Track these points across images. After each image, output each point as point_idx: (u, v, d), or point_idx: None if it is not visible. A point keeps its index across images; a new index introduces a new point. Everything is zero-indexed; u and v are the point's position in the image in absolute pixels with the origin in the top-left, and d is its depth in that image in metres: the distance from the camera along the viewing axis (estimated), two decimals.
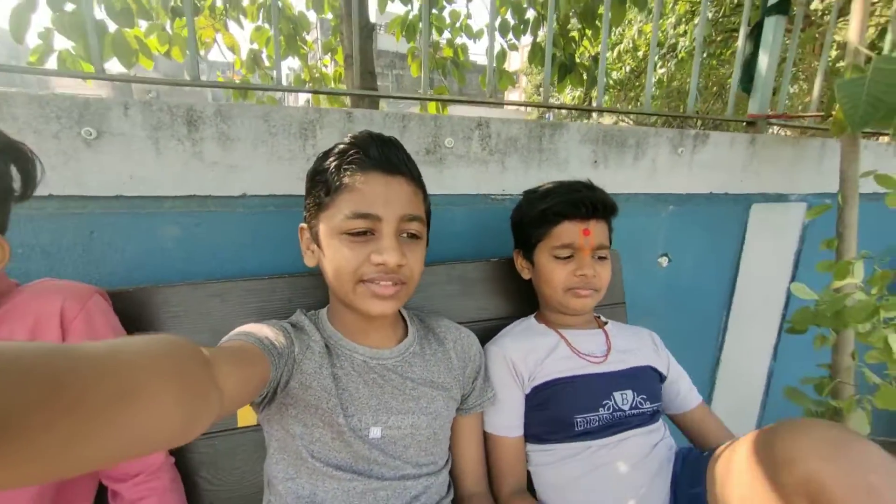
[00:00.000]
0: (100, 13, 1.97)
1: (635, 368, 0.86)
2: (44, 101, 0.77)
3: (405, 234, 0.64)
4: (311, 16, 3.04)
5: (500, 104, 1.20)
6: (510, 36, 3.20)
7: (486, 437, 0.82)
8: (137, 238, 0.85)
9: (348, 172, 0.62)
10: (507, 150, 1.08)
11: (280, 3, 2.84)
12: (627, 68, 5.66)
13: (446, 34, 3.42)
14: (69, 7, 1.82)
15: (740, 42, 1.34)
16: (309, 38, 3.18)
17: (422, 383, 0.71)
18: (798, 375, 1.14)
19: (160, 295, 0.75)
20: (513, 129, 1.07)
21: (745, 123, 1.40)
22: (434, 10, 3.11)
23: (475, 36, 3.56)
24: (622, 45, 5.42)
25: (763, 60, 1.30)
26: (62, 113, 0.77)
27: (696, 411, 0.91)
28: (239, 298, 0.80)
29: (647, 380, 0.87)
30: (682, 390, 0.92)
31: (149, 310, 0.75)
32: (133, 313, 0.74)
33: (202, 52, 2.64)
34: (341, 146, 0.64)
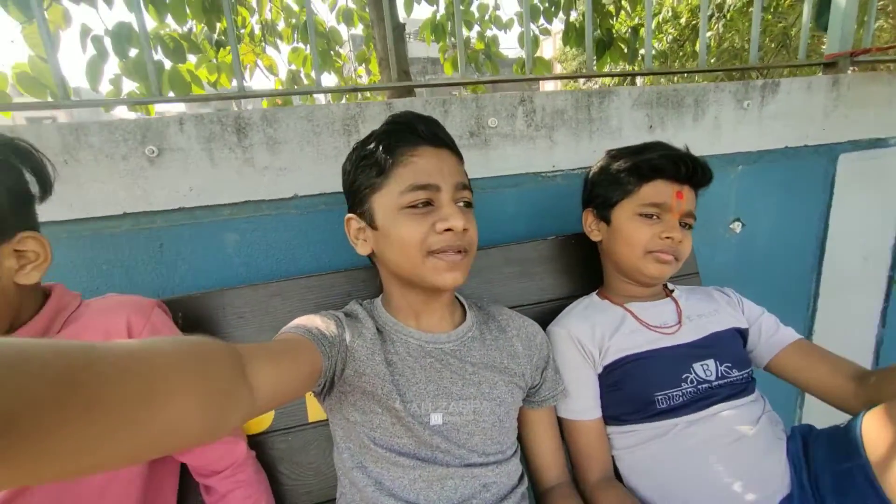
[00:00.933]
0: (157, 54, 2.15)
1: (713, 335, 0.78)
2: (113, 126, 0.83)
3: (460, 203, 0.64)
4: (343, 31, 3.13)
5: (542, 78, 1.15)
6: (541, 21, 3.11)
7: (562, 424, 0.77)
8: (200, 246, 0.88)
9: (399, 149, 0.62)
10: (554, 123, 1.02)
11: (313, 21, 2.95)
12: (669, 38, 5.32)
13: (476, 29, 3.39)
14: (133, 53, 1.99)
15: None
16: (342, 51, 3.28)
17: (483, 367, 0.67)
18: None
19: (225, 297, 0.78)
20: (558, 100, 1.02)
21: (822, 67, 1.24)
22: (460, 7, 3.09)
23: (505, 26, 3.50)
24: (661, 15, 5.11)
25: None
26: (128, 135, 0.83)
27: (795, 348, 0.78)
28: (298, 295, 0.81)
29: (729, 345, 0.79)
30: (764, 328, 0.82)
31: (215, 313, 0.77)
32: (202, 316, 0.77)
33: (246, 77, 2.78)
34: (384, 128, 0.64)
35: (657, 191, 0.76)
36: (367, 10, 2.88)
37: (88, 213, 0.83)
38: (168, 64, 2.09)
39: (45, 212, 0.81)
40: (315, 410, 0.79)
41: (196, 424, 0.32)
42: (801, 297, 1.30)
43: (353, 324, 0.66)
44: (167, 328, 0.67)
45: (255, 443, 0.77)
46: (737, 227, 1.20)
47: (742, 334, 0.81)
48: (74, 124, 0.81)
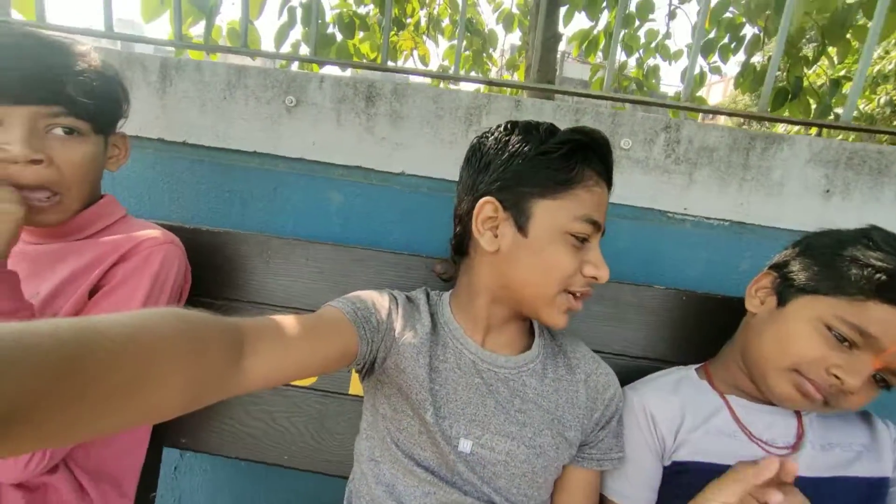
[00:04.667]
0: (332, 28, 2.41)
1: (846, 480, 0.59)
2: (266, 73, 0.91)
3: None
4: (500, 35, 3.17)
5: (699, 110, 1.00)
6: (715, 57, 2.78)
7: (602, 501, 0.65)
8: (308, 197, 0.94)
9: (588, 171, 0.56)
10: (699, 160, 0.88)
11: (474, 20, 3.03)
12: (883, 99, 4.36)
13: (637, 55, 3.17)
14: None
15: None
16: (495, 54, 3.32)
17: (534, 407, 0.59)
18: None
19: (311, 250, 0.81)
20: (711, 136, 0.87)
21: None
22: (621, 29, 2.91)
23: (671, 57, 3.21)
24: (879, 67, 4.21)
25: None
26: (276, 83, 0.91)
27: None
28: (377, 267, 0.81)
29: (867, 502, 0.59)
30: None
31: (299, 261, 0.81)
32: (287, 261, 0.81)
33: (400, 60, 2.97)
34: (580, 137, 0.56)
35: (885, 321, 0.53)
36: (528, 17, 2.88)
37: (229, 144, 0.93)
38: (339, 38, 2.33)
39: (199, 136, 0.93)
40: (357, 384, 0.78)
41: (178, 405, 0.34)
42: None
43: (410, 314, 0.62)
44: (175, 262, 0.68)
45: (294, 395, 0.78)
46: None
47: (884, 486, 0.60)
48: (239, 66, 0.92)
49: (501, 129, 0.59)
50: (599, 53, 3.00)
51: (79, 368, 0.26)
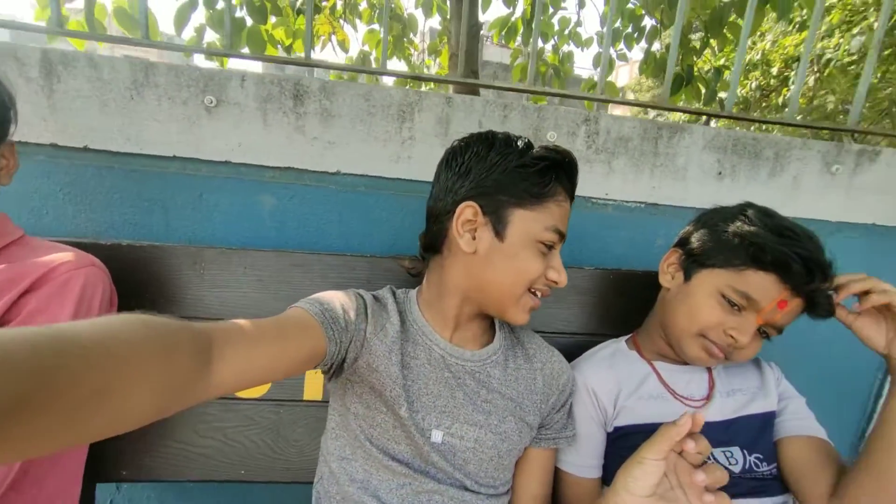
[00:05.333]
0: (241, 11, 2.23)
1: (745, 418, 0.70)
2: (179, 70, 0.84)
3: None
4: (420, 20, 3.14)
5: (612, 101, 1.09)
6: (621, 46, 3.01)
7: (556, 474, 0.72)
8: (238, 202, 0.89)
9: (559, 188, 0.61)
10: (616, 150, 0.97)
11: (393, 4, 2.98)
12: (754, 84, 5.01)
13: (552, 42, 3.32)
14: (220, 5, 2.07)
15: None
16: (415, 40, 3.29)
17: (498, 396, 0.64)
18: None
19: (248, 258, 0.77)
20: (625, 127, 0.96)
21: None
22: (541, 17, 3.03)
23: (583, 44, 3.41)
24: (748, 58, 4.82)
25: None
26: (192, 82, 0.84)
27: (814, 443, 0.67)
28: (320, 271, 0.80)
29: (761, 433, 0.70)
30: (791, 408, 0.72)
31: (237, 270, 0.77)
32: (224, 271, 0.77)
33: (318, 47, 2.83)
34: (556, 156, 0.61)
35: (762, 285, 0.63)
36: (447, 2, 2.88)
37: (142, 149, 0.85)
38: (250, 22, 2.16)
39: (104, 140, 0.84)
40: (311, 389, 0.78)
41: (148, 413, 0.34)
42: (858, 396, 1.17)
43: (378, 313, 0.63)
44: (100, 286, 0.63)
45: (246, 407, 0.76)
46: None
47: (772, 417, 0.73)
48: (146, 62, 0.83)
49: (482, 138, 0.63)
50: (518, 38, 3.11)
51: (51, 377, 0.26)
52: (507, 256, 0.60)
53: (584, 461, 0.70)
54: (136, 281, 0.74)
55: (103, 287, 0.63)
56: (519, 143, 0.62)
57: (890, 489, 0.57)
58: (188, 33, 2.03)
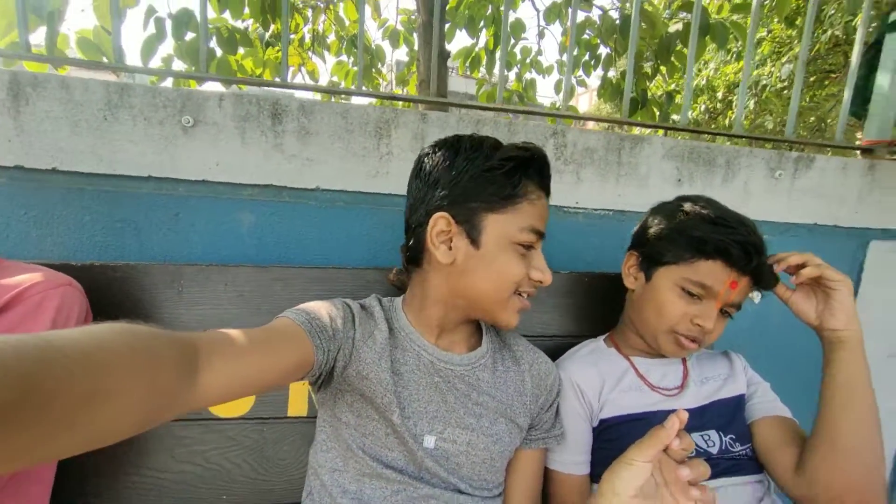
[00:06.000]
0: (211, 43, 2.25)
1: (718, 403, 0.74)
2: (156, 91, 0.85)
3: None
4: (388, 51, 3.24)
5: (576, 117, 1.16)
6: (580, 72, 3.20)
7: (546, 473, 0.73)
8: (216, 221, 0.88)
9: (531, 185, 0.61)
10: (584, 161, 1.02)
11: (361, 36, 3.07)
12: (703, 107, 5.43)
13: (514, 70, 3.50)
14: (188, 37, 2.08)
15: (854, 61, 1.21)
16: (383, 70, 3.39)
17: (487, 400, 0.64)
18: None
19: (229, 274, 0.77)
20: (591, 139, 1.02)
21: (859, 152, 1.24)
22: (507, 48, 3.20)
23: (544, 72, 3.61)
24: (696, 83, 5.24)
25: (883, 81, 1.16)
26: (168, 103, 0.84)
27: (781, 422, 0.71)
28: (302, 285, 0.80)
29: (734, 415, 0.74)
30: (760, 392, 0.77)
31: (217, 287, 0.76)
32: (204, 288, 0.76)
33: (287, 77, 2.88)
34: (522, 154, 0.60)
35: (711, 271, 0.68)
36: (413, 35, 3.00)
37: (115, 169, 0.83)
38: (219, 52, 2.18)
39: (74, 162, 0.82)
40: (296, 404, 0.76)
41: (135, 423, 0.34)
42: (815, 384, 1.24)
43: (366, 321, 0.63)
44: (76, 306, 0.61)
45: (227, 427, 0.74)
46: (756, 296, 1.16)
47: (742, 400, 0.77)
48: (122, 84, 0.83)
49: (449, 144, 0.62)
50: (482, 69, 3.26)
51: (37, 384, 0.25)
52: (485, 263, 0.59)
53: (572, 458, 0.72)
54: (109, 302, 0.72)
55: (79, 307, 0.61)
56: (485, 146, 0.61)
57: (842, 451, 0.62)
58: (155, 63, 2.01)
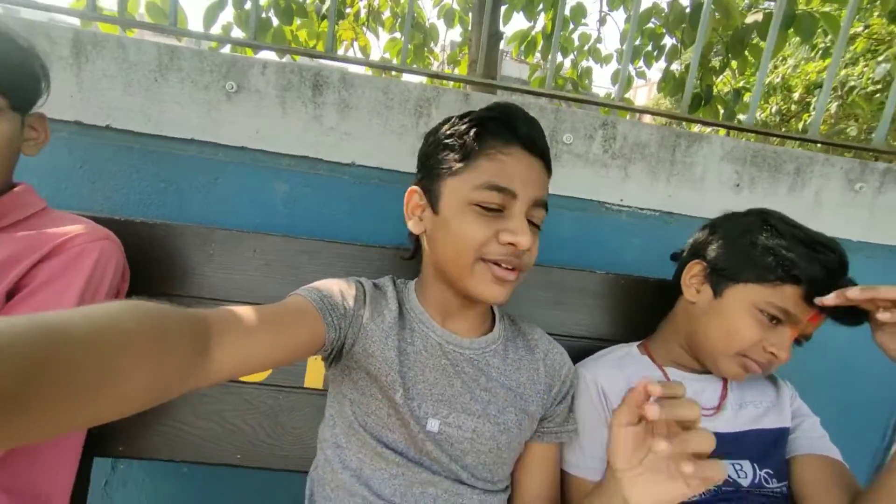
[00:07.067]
0: (268, 13, 2.29)
1: (757, 432, 0.68)
2: (203, 55, 0.86)
3: (530, 221, 0.57)
4: (441, 30, 3.18)
5: (631, 109, 1.08)
6: (640, 63, 3.01)
7: (562, 477, 0.70)
8: (252, 188, 0.90)
9: (490, 140, 0.56)
10: (633, 156, 0.96)
11: (415, 14, 3.03)
12: (774, 108, 4.98)
13: (571, 57, 3.34)
14: (248, 5, 2.13)
15: None
16: (436, 50, 3.34)
17: (497, 385, 0.62)
18: None
19: (257, 241, 0.77)
20: (642, 133, 0.95)
21: None
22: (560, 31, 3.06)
23: (602, 60, 3.42)
24: (768, 81, 4.81)
25: None
26: (215, 67, 0.85)
27: (827, 463, 0.65)
28: (328, 259, 0.79)
29: (773, 449, 0.68)
30: (806, 426, 0.70)
31: (245, 253, 0.77)
32: (232, 253, 0.77)
33: (340, 51, 2.89)
34: (483, 113, 0.58)
35: (795, 297, 0.62)
36: (469, 14, 2.92)
37: (161, 130, 0.86)
38: (276, 22, 2.22)
39: (126, 120, 0.86)
40: (313, 377, 0.77)
41: (144, 398, 0.34)
42: (874, 426, 1.13)
43: (377, 300, 0.62)
44: (113, 260, 0.63)
45: (245, 391, 0.75)
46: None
47: (785, 434, 0.70)
48: (171, 46, 0.85)
49: (438, 124, 0.63)
50: (538, 54, 3.13)
51: (48, 368, 0.26)
52: (444, 227, 0.57)
53: (588, 463, 0.68)
54: (146, 258, 0.74)
55: (116, 261, 0.63)
56: (456, 118, 0.59)
57: None
58: (215, 31, 2.08)
